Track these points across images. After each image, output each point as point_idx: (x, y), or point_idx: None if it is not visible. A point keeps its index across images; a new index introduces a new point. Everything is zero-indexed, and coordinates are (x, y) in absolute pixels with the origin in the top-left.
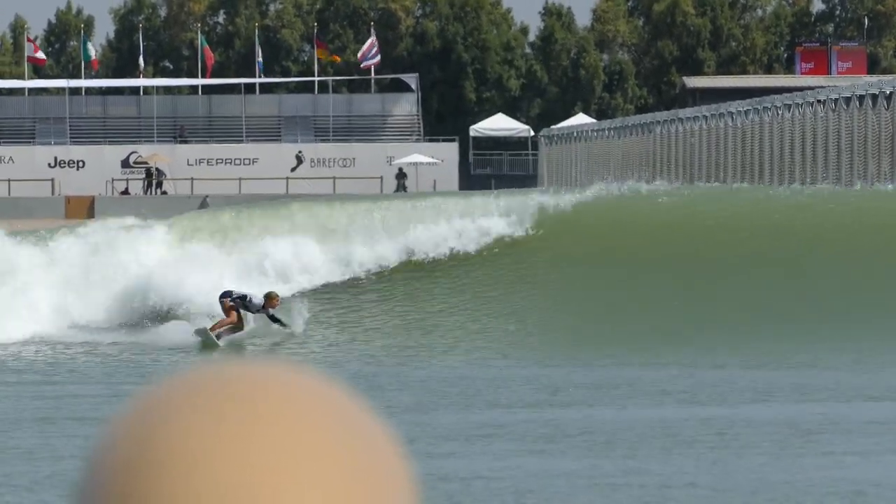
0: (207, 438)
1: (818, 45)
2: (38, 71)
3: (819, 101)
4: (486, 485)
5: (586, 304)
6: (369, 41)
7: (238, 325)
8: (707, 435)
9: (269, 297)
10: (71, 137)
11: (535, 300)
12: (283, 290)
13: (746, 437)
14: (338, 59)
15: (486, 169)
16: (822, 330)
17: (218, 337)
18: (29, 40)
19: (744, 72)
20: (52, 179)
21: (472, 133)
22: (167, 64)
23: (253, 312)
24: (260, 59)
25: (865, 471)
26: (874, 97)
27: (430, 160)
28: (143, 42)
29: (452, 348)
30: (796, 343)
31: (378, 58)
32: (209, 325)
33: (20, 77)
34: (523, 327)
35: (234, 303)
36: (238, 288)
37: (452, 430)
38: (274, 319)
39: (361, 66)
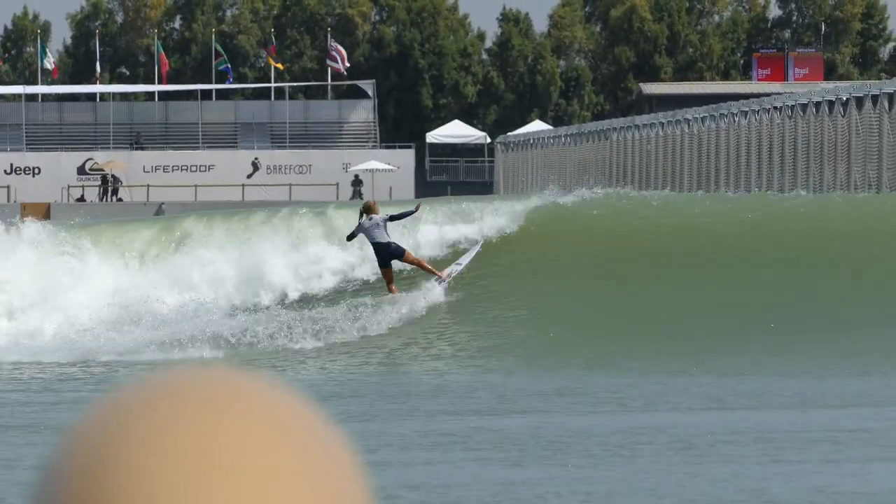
0: (165, 445)
1: (775, 51)
2: None
3: (776, 108)
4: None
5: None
6: (337, 47)
7: (418, 263)
8: (668, 443)
9: (369, 208)
10: (27, 144)
11: (491, 309)
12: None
13: (706, 447)
14: (281, 66)
15: (443, 176)
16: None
17: (442, 276)
18: None
19: (700, 78)
20: (8, 186)
21: (428, 140)
22: (124, 70)
23: (390, 239)
24: (228, 65)
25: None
26: (830, 104)
27: (387, 167)
28: (99, 48)
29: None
30: (756, 352)
31: (341, 65)
32: (440, 275)
33: None
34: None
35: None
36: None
37: (401, 437)
38: (395, 217)
39: (327, 64)
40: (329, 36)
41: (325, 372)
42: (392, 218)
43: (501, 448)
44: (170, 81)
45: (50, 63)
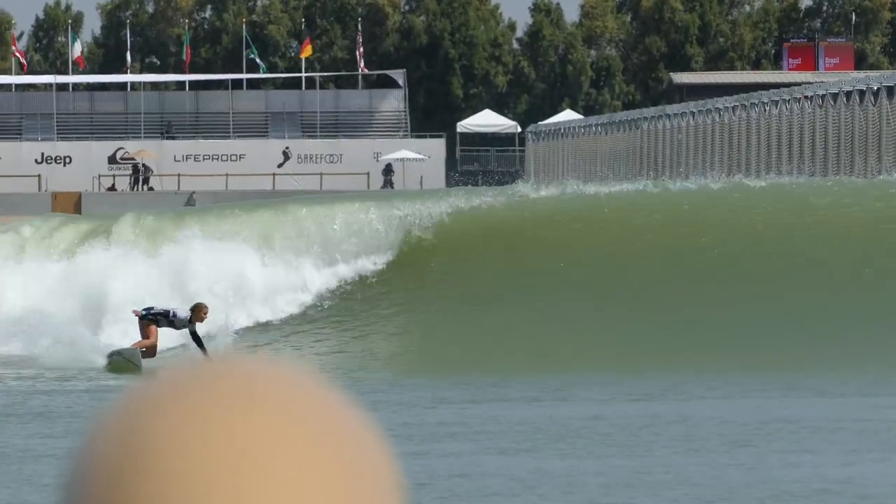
0: (194, 436)
1: (805, 40)
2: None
3: (806, 97)
4: None
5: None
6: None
7: (152, 350)
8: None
9: (197, 309)
10: (58, 133)
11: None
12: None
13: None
14: (310, 51)
15: (474, 165)
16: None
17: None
18: (13, 39)
19: (731, 68)
20: (39, 175)
21: (459, 129)
22: (154, 60)
23: (178, 329)
24: (256, 58)
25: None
26: (861, 93)
27: (417, 156)
28: (130, 38)
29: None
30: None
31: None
32: (124, 345)
33: (7, 72)
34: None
35: (155, 320)
36: (157, 303)
37: None
38: (196, 339)
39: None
40: (359, 26)
41: None
42: (194, 335)
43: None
44: (200, 71)
45: (76, 52)
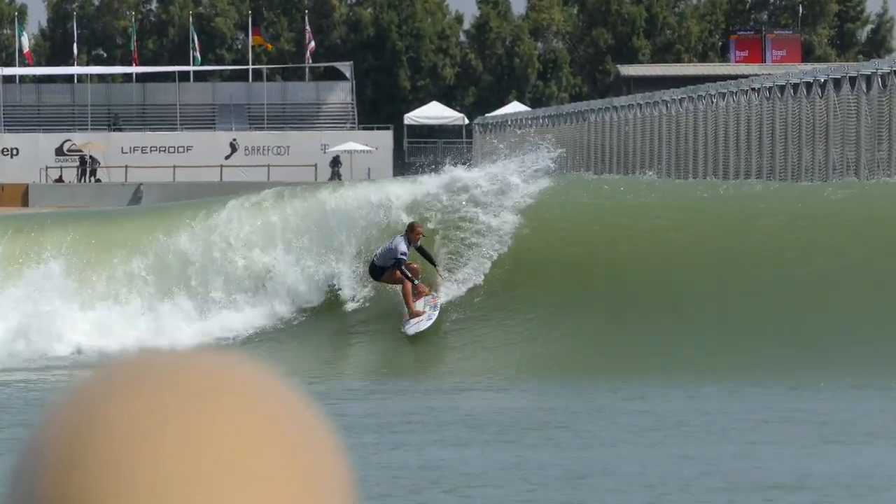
0: (146, 424)
1: (753, 33)
2: None
3: (753, 90)
4: None
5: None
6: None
7: (416, 279)
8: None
9: (412, 229)
10: (5, 125)
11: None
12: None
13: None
14: (270, 46)
15: (421, 157)
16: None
17: (417, 315)
18: None
19: (678, 60)
20: None
21: (406, 121)
22: (101, 52)
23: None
24: (198, 54)
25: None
26: (808, 85)
27: (365, 148)
28: (77, 30)
29: None
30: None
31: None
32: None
33: None
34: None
35: (391, 270)
36: (379, 251)
37: None
38: (424, 254)
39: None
40: (306, 18)
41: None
42: (421, 252)
43: None
44: (147, 63)
45: (24, 46)
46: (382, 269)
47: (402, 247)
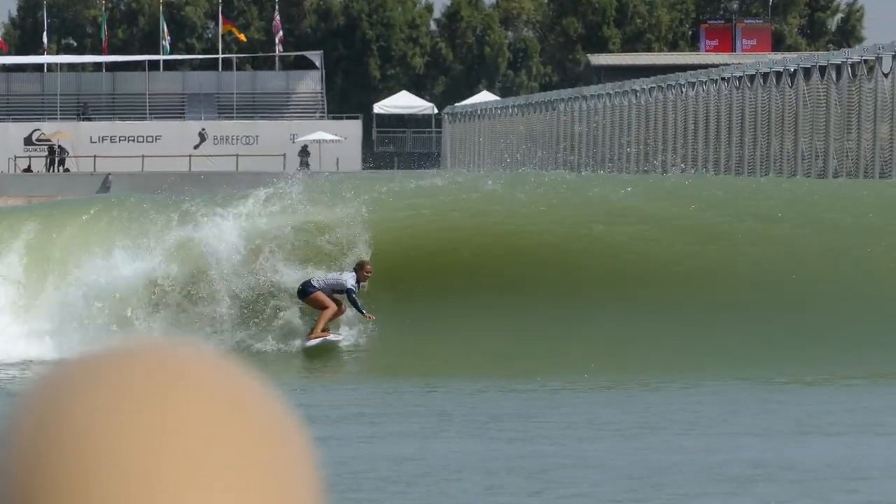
0: (111, 418)
1: (723, 22)
2: None
3: (723, 79)
4: None
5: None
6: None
7: (339, 311)
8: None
9: (361, 267)
10: None
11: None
12: None
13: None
14: (244, 38)
15: (390, 147)
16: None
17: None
18: None
19: (649, 49)
20: None
21: (375, 110)
22: (71, 41)
23: (351, 293)
24: (167, 43)
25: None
26: (778, 75)
27: (334, 137)
28: (47, 19)
29: None
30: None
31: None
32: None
33: None
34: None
35: (322, 291)
36: (321, 275)
37: None
38: (353, 302)
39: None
40: (276, 7)
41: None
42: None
43: None
44: (117, 52)
45: None
46: (313, 293)
47: (352, 282)
